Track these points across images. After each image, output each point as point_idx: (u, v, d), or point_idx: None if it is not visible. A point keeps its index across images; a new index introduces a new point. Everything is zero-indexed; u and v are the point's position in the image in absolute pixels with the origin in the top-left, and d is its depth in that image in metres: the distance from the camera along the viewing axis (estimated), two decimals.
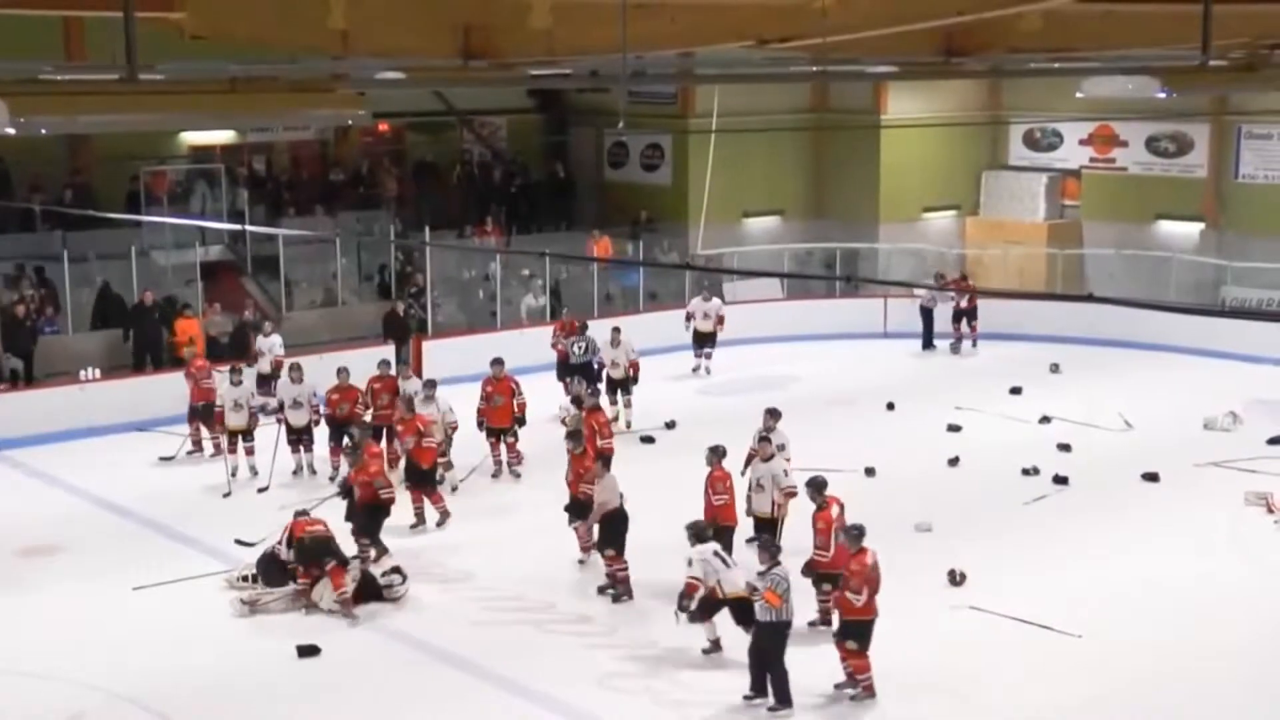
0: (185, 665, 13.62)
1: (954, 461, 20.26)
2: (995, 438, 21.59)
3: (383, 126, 32.82)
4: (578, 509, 15.77)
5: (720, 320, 25.76)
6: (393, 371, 20.60)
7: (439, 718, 12.61)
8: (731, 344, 27.96)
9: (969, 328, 27.93)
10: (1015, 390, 24.41)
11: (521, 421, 19.67)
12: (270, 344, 23.39)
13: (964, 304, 27.70)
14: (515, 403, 19.55)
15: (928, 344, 28.12)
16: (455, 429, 18.96)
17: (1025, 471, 19.56)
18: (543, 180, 33.75)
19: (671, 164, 32.51)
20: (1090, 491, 18.83)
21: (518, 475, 19.50)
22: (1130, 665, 13.51)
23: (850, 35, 13.83)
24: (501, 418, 19.54)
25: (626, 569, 15.23)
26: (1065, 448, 20.77)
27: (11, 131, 9.83)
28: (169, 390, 22.23)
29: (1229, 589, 15.43)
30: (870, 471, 19.63)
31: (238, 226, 24.45)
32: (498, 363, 19.93)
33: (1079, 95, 14.33)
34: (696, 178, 30.60)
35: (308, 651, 13.81)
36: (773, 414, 17.24)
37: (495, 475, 19.47)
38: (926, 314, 28.09)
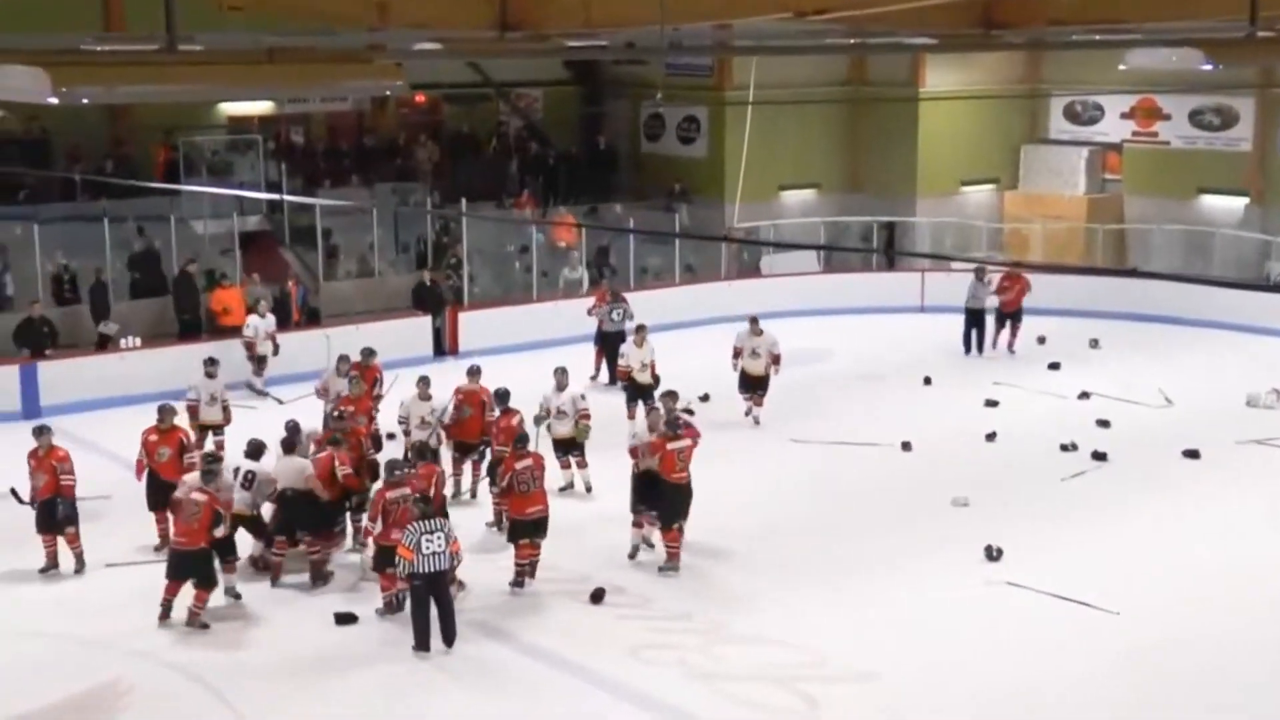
0: (228, 633, 13.68)
1: (991, 437, 20.18)
2: (1033, 413, 21.48)
3: (419, 98, 32.82)
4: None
5: (775, 360, 20.88)
6: (374, 360, 19.32)
7: (471, 688, 12.63)
8: (767, 317, 27.87)
9: (1011, 332, 25.62)
10: (1054, 366, 24.29)
11: (486, 444, 16.97)
12: (267, 324, 23.26)
13: (1010, 300, 25.50)
14: (485, 420, 16.97)
15: (972, 348, 25.65)
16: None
17: (1064, 447, 19.46)
18: (579, 152, 33.69)
19: (708, 137, 32.39)
20: (1129, 468, 18.72)
21: (474, 496, 17.35)
22: (1167, 642, 13.42)
23: (888, 7, 13.76)
24: (469, 432, 17.17)
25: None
26: (1104, 424, 20.64)
27: (53, 102, 9.86)
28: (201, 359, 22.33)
29: (1269, 568, 15.30)
30: (906, 446, 19.58)
31: (276, 196, 24.49)
32: (474, 372, 17.62)
33: (1121, 68, 14.17)
34: (733, 150, 30.49)
35: (345, 619, 13.85)
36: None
37: (455, 495, 17.00)
38: (973, 315, 25.63)
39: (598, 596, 14.37)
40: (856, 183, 33.24)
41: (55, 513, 14.93)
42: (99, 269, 24.81)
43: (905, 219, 31.76)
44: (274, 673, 12.88)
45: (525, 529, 14.83)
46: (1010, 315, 25.59)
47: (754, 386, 20.91)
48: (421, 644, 13.14)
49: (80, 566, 15.06)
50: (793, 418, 19.92)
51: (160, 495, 15.37)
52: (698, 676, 12.68)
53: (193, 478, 14.22)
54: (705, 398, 21.99)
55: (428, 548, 12.91)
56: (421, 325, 25.73)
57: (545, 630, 13.66)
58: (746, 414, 20.84)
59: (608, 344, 23.59)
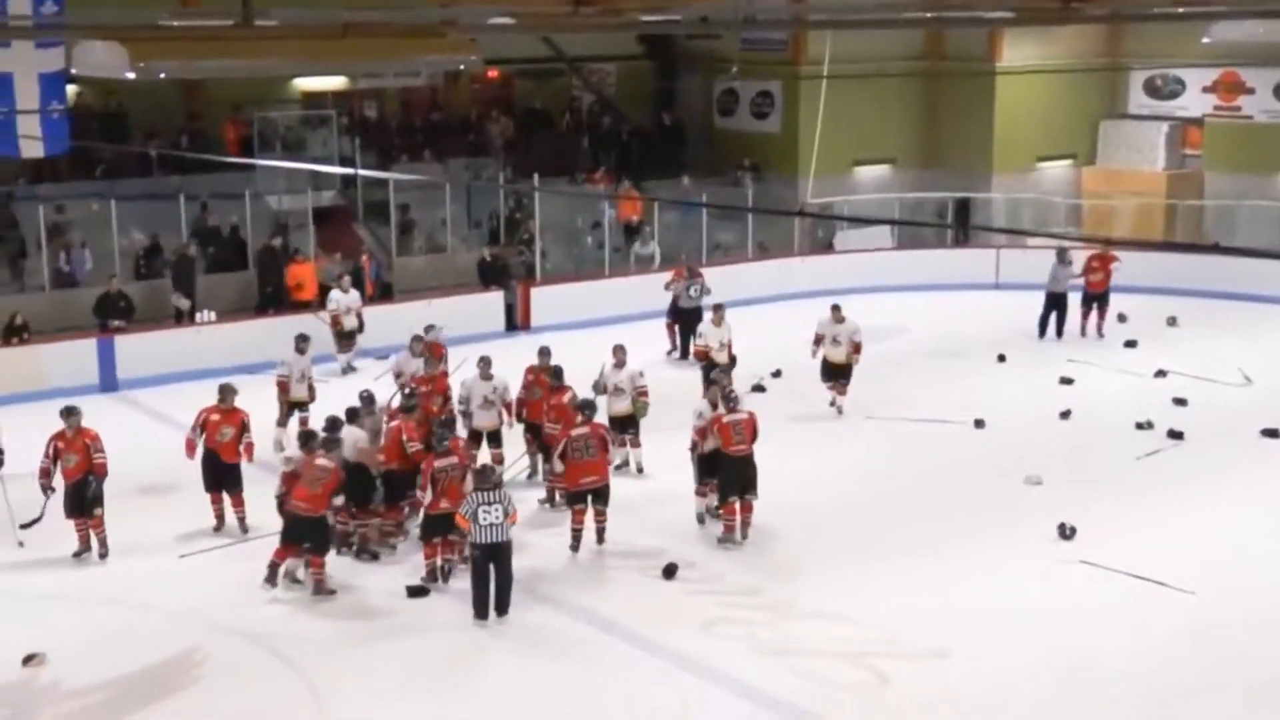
0: (297, 603, 13.80)
1: (1066, 414, 19.98)
2: (1109, 391, 21.25)
3: (492, 73, 32.85)
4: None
5: (857, 349, 20.01)
6: (439, 338, 19.29)
7: (539, 660, 12.66)
8: (840, 294, 27.72)
9: (1099, 315, 24.84)
10: (1130, 344, 24.00)
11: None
12: (350, 300, 23.10)
13: (1099, 281, 24.70)
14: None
15: (1048, 333, 24.78)
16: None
17: (1139, 425, 19.24)
18: (652, 127, 33.62)
19: (782, 112, 32.21)
20: (1206, 447, 18.48)
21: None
22: (1241, 622, 13.25)
23: None
24: (539, 413, 16.83)
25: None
26: (1181, 402, 20.39)
27: (131, 76, 9.95)
28: (280, 334, 22.50)
29: None
30: (980, 424, 19.43)
31: (350, 170, 24.60)
32: (544, 352, 17.40)
33: (1205, 41, 14.00)
34: (807, 126, 30.27)
35: (417, 592, 13.94)
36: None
37: (530, 476, 17.13)
38: (1054, 299, 24.76)
39: (670, 571, 14.37)
40: (932, 158, 32.94)
41: (87, 491, 14.72)
42: (182, 244, 25.07)
43: (981, 195, 31.43)
44: (342, 642, 12.98)
45: (579, 497, 15.06)
46: (1098, 297, 24.81)
47: (836, 375, 20.12)
48: (480, 612, 13.23)
49: (105, 551, 14.89)
50: (865, 395, 19.79)
51: (219, 476, 15.49)
52: (767, 652, 12.65)
53: (294, 451, 14.58)
54: (777, 373, 21.93)
55: (485, 518, 13.02)
56: (493, 301, 25.80)
57: (616, 604, 13.66)
58: (831, 404, 20.15)
59: (684, 320, 23.57)
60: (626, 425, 17.31)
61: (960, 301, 27.62)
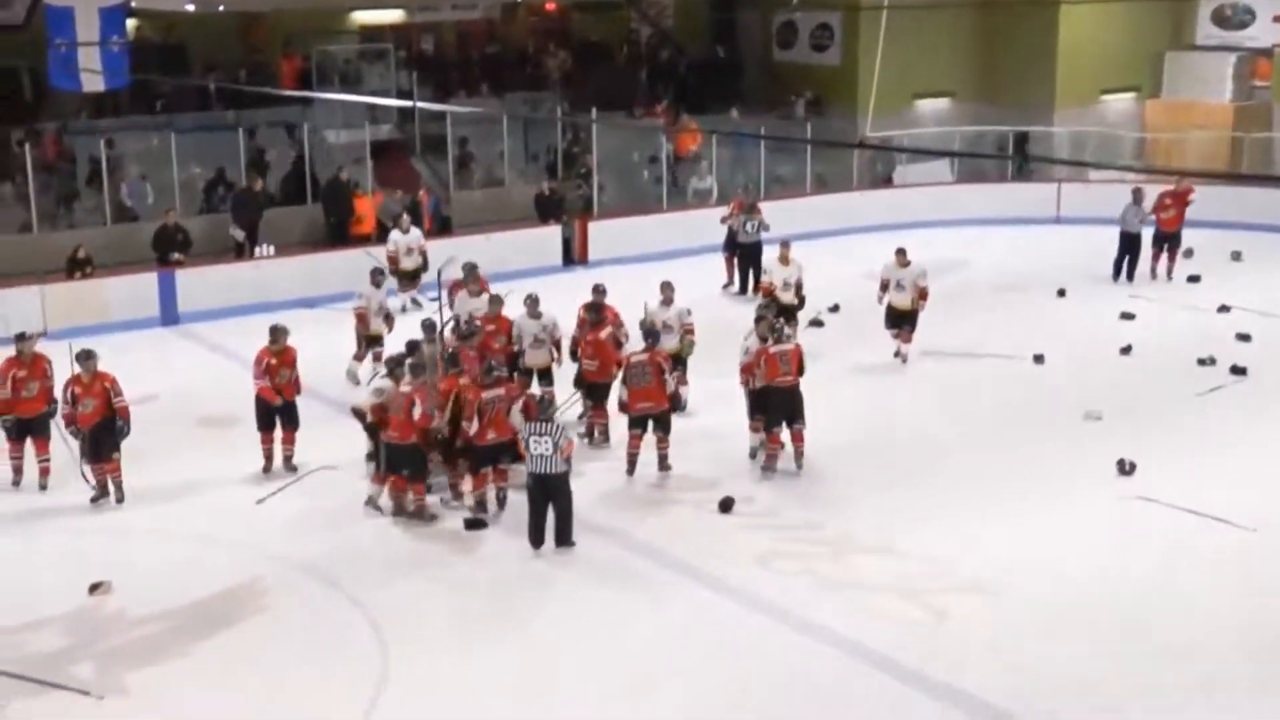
0: (354, 537, 13.94)
1: (1126, 350, 19.81)
2: (1171, 327, 21.06)
3: (549, 5, 32.73)
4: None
5: (922, 294, 19.20)
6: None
7: (598, 593, 12.73)
8: (899, 228, 27.56)
9: (1169, 256, 24.03)
10: (1194, 278, 23.75)
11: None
12: (411, 240, 22.75)
13: (1171, 219, 23.90)
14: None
15: (1122, 274, 24.01)
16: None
17: (1201, 361, 19.05)
18: (709, 60, 33.38)
19: (841, 44, 31.88)
20: (1269, 382, 18.29)
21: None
22: None
23: None
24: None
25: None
26: (1244, 338, 20.17)
27: (190, 9, 9.96)
28: (338, 268, 22.62)
29: None
30: (1039, 359, 19.31)
31: (408, 103, 24.60)
32: (599, 291, 16.87)
33: None
34: (866, 58, 29.96)
35: (474, 525, 14.03)
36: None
37: (582, 416, 16.66)
38: (1128, 240, 23.98)
39: (727, 505, 14.40)
40: (992, 91, 32.50)
41: (114, 435, 14.48)
42: (243, 177, 25.19)
43: (1042, 129, 31.06)
44: (401, 575, 13.07)
45: (636, 422, 15.31)
46: (1169, 237, 24.00)
47: (900, 321, 19.34)
48: (534, 540, 13.39)
49: (121, 496, 14.67)
50: (923, 330, 19.67)
51: (275, 414, 15.43)
52: (825, 587, 12.66)
53: (382, 382, 14.60)
54: (835, 308, 21.86)
55: (535, 449, 13.15)
56: (551, 235, 25.81)
57: (672, 538, 13.70)
58: (895, 354, 19.39)
59: (743, 254, 23.51)
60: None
61: (1020, 236, 27.41)
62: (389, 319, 18.72)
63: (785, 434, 15.36)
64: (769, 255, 20.82)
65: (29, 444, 15.10)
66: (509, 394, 14.24)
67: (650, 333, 15.73)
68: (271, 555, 13.41)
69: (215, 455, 15.95)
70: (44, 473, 15.08)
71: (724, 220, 23.97)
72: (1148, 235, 24.09)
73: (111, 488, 14.65)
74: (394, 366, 14.65)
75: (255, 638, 11.89)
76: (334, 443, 15.58)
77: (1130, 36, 32.08)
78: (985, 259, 25.67)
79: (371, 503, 14.46)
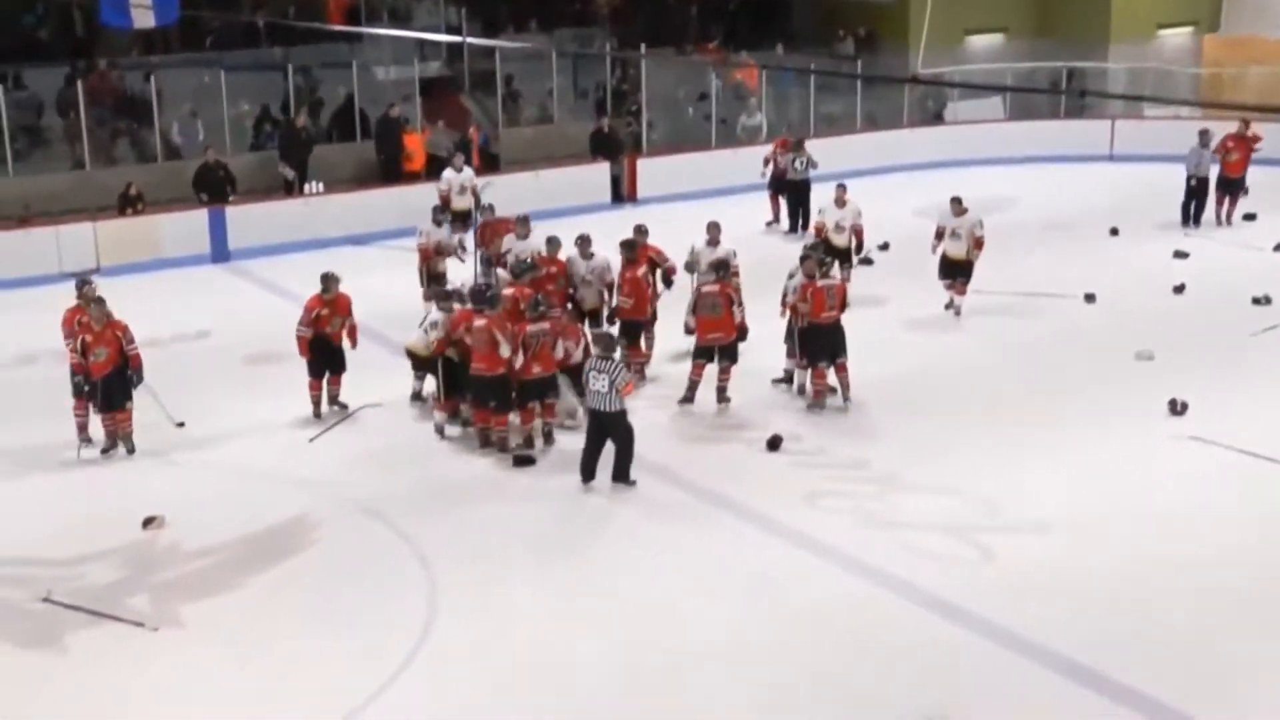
0: (404, 473, 14.03)
1: (1179, 289, 19.64)
2: (1225, 265, 20.85)
3: None
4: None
5: (978, 244, 18.42)
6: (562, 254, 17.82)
7: (645, 529, 12.78)
8: (950, 166, 27.38)
9: (1231, 201, 23.43)
10: (1249, 217, 23.48)
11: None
12: (464, 179, 22.44)
13: (1236, 163, 23.26)
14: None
15: (1189, 220, 23.44)
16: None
17: (1255, 300, 18.87)
18: None
19: None
20: None
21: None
22: None
23: None
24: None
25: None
26: None
27: None
28: (388, 205, 22.67)
29: None
30: (1090, 298, 19.17)
31: (457, 39, 24.53)
32: (641, 231, 16.83)
33: None
34: None
35: (523, 461, 14.10)
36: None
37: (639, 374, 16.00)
38: (1197, 185, 23.41)
39: (775, 443, 14.40)
40: (1046, 27, 32.16)
41: (126, 384, 14.16)
42: (288, 114, 25.23)
43: (1096, 64, 30.68)
44: (451, 510, 13.14)
45: (703, 352, 15.49)
46: (1233, 183, 23.40)
47: (954, 272, 18.59)
48: (584, 474, 13.49)
49: (131, 447, 14.36)
50: (975, 268, 19.56)
51: (326, 361, 15.25)
52: (872, 524, 12.67)
53: (435, 314, 14.75)
54: (885, 246, 21.75)
55: (593, 385, 13.20)
56: (600, 172, 25.76)
57: (721, 475, 13.71)
58: (947, 306, 18.73)
59: (792, 193, 23.42)
60: (842, 256, 17.10)
61: (1073, 174, 27.16)
62: (455, 251, 18.77)
63: (830, 374, 15.39)
64: (824, 196, 20.50)
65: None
66: (554, 329, 14.35)
67: (721, 265, 15.79)
68: (322, 490, 13.52)
69: (267, 391, 16.04)
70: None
71: (767, 160, 23.84)
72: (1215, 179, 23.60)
73: (121, 439, 14.35)
74: (444, 299, 14.82)
75: (307, 571, 12.01)
76: (384, 382, 15.65)
77: None
78: (1037, 197, 25.47)
79: (440, 430, 14.71)
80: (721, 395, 15.53)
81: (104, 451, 14.32)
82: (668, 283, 16.71)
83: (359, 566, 12.06)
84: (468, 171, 22.77)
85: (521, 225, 17.67)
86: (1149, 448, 14.25)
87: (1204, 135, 23.43)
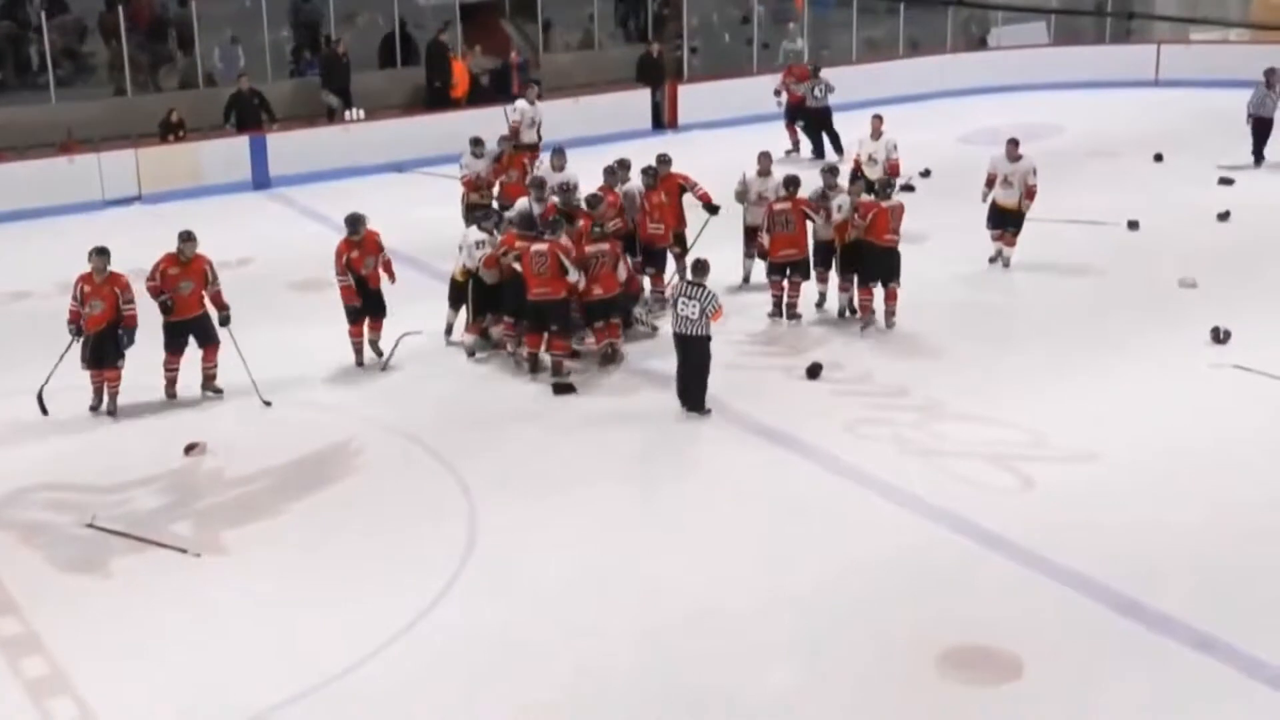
0: (448, 402, 14.09)
1: (1224, 216, 19.45)
2: (1272, 191, 20.62)
3: None
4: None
5: (1031, 193, 17.32)
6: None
7: (687, 458, 12.85)
8: (994, 91, 27.12)
9: None
10: None
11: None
12: (537, 112, 21.41)
13: None
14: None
15: (1260, 158, 22.49)
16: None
17: None
18: None
19: None
20: None
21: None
22: None
23: None
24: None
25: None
26: None
27: None
28: (427, 133, 22.64)
29: None
30: (1134, 225, 19.02)
31: None
32: (664, 160, 16.59)
33: None
34: None
35: (563, 389, 14.14)
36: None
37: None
38: (1261, 124, 22.46)
39: (814, 371, 14.39)
40: None
41: (119, 344, 13.53)
42: (330, 42, 25.15)
43: None
44: (489, 441, 13.19)
45: (777, 269, 15.74)
46: None
47: (1004, 221, 17.52)
48: (684, 400, 13.61)
49: (113, 409, 13.73)
50: None
51: (367, 305, 14.75)
52: (913, 452, 12.67)
53: (480, 235, 14.77)
54: (926, 173, 21.63)
55: (682, 310, 13.33)
56: (641, 98, 25.65)
57: (761, 403, 13.71)
58: (993, 259, 17.75)
59: (816, 119, 23.22)
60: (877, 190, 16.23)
61: (1118, 99, 26.90)
62: (492, 186, 18.49)
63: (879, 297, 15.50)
64: (860, 128, 19.95)
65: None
66: (613, 250, 14.48)
67: (791, 180, 15.75)
68: (364, 418, 13.60)
69: (307, 319, 16.07)
70: (373, 343, 14.86)
71: (778, 91, 23.62)
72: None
73: (107, 397, 13.75)
74: (492, 222, 14.94)
75: (348, 498, 12.10)
76: (427, 312, 15.65)
77: None
78: (1081, 123, 25.23)
79: (471, 352, 14.92)
80: (791, 311, 15.75)
81: (92, 408, 13.76)
82: (711, 209, 16.58)
83: (400, 493, 12.14)
84: (540, 105, 21.67)
85: (557, 156, 17.46)
86: (1192, 376, 14.18)
87: (1271, 74, 22.44)
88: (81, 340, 13.56)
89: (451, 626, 10.02)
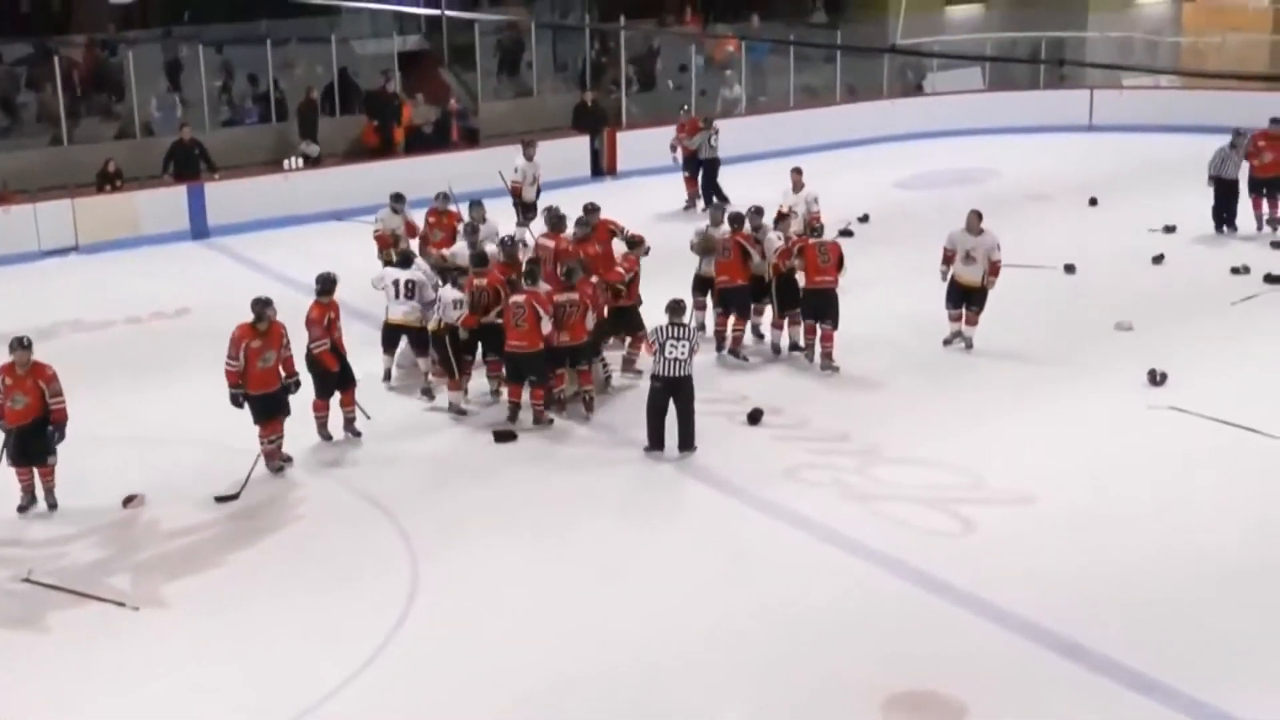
0: (387, 450, 14.01)
1: (1158, 259, 19.68)
2: (1204, 235, 20.88)
3: None
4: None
5: (995, 269, 15.98)
6: (451, 206, 17.83)
7: (629, 504, 12.85)
8: (930, 137, 27.38)
9: (1271, 203, 21.10)
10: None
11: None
12: (535, 169, 20.78)
13: (1270, 164, 21.02)
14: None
15: (1224, 224, 21.14)
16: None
17: (1234, 270, 18.94)
18: None
19: None
20: None
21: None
22: None
23: None
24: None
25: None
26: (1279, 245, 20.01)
27: None
28: (366, 181, 22.56)
29: None
30: (1070, 268, 19.21)
31: (435, 11, 24.45)
32: (591, 210, 16.27)
33: None
34: None
35: (504, 437, 14.11)
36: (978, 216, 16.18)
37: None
38: (1223, 186, 21.07)
39: (755, 417, 14.42)
40: None
41: (45, 440, 12.44)
42: (309, 88, 25.11)
43: (1076, 34, 30.66)
44: (430, 487, 13.16)
45: (712, 294, 16.08)
46: (1268, 182, 21.11)
47: (966, 299, 16.20)
48: (655, 443, 13.58)
49: (53, 502, 12.67)
50: None
51: (330, 384, 13.99)
52: (853, 497, 12.70)
53: (455, 294, 14.41)
54: (865, 218, 21.77)
55: (671, 352, 13.32)
56: (580, 146, 25.70)
57: (703, 449, 13.65)
58: (948, 340, 16.39)
59: (708, 170, 23.21)
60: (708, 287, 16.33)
61: (1053, 144, 27.19)
62: (398, 242, 17.71)
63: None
64: (783, 182, 19.09)
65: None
66: (583, 299, 14.41)
67: (735, 218, 15.93)
68: (306, 467, 13.51)
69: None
70: (271, 455, 13.40)
71: (674, 145, 23.62)
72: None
73: (42, 491, 12.69)
74: (455, 271, 14.75)
75: (288, 548, 12.02)
76: (369, 358, 15.57)
77: None
78: (1017, 167, 25.49)
79: (459, 409, 14.72)
80: (735, 348, 15.96)
81: (20, 510, 12.62)
82: (632, 245, 16.09)
83: (342, 544, 12.05)
84: (537, 161, 21.11)
85: (476, 209, 16.98)
86: (1129, 418, 14.30)
87: (1236, 135, 21.17)
88: (3, 437, 12.47)
89: (396, 678, 9.93)
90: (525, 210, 20.23)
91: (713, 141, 23.22)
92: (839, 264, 15.52)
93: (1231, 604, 10.76)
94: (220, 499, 12.74)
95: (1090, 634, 10.25)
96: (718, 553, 11.76)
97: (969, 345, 16.32)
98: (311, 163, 24.37)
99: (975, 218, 16.09)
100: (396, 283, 15.13)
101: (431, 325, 14.78)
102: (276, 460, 13.39)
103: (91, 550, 11.94)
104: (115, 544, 12.08)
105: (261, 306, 13.10)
